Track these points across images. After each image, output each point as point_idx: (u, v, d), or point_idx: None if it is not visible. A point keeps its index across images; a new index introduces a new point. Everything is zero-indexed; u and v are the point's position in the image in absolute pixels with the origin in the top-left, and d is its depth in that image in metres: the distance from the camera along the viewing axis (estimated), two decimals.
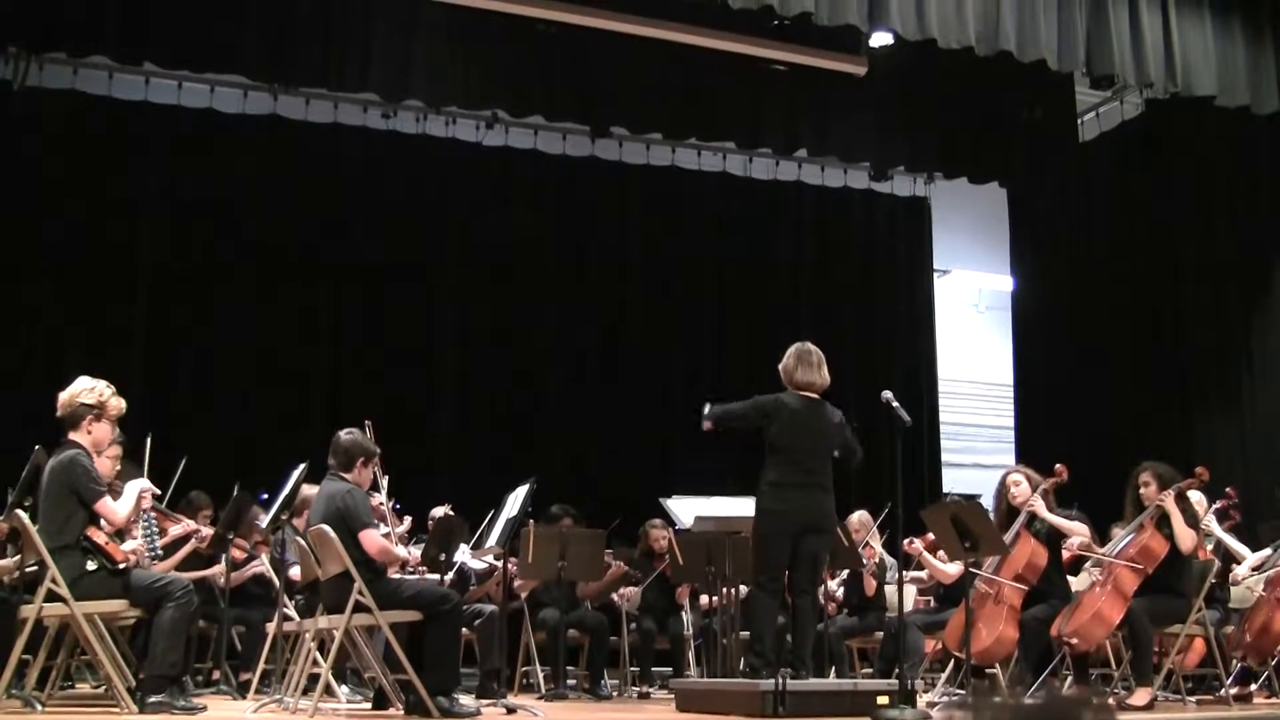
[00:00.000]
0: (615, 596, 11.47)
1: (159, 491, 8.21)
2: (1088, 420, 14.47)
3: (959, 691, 8.83)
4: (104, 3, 11.88)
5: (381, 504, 8.60)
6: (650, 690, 10.95)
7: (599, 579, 10.92)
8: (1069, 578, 9.43)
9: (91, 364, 8.11)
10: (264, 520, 9.39)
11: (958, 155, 14.80)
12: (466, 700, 7.66)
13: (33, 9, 11.80)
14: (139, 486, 7.63)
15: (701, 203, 15.66)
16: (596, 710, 9.36)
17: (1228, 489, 10.00)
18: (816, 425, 8.19)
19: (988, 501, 9.66)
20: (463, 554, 10.26)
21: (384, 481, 8.71)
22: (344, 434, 7.89)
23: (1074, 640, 8.45)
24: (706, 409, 8.33)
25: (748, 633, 8.70)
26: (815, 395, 8.28)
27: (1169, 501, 8.54)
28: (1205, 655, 9.58)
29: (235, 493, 9.56)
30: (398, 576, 8.17)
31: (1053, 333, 15.64)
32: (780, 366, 8.39)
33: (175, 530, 9.15)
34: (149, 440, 8.43)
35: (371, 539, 7.51)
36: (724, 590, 9.71)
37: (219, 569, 9.84)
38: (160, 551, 8.80)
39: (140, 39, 12.17)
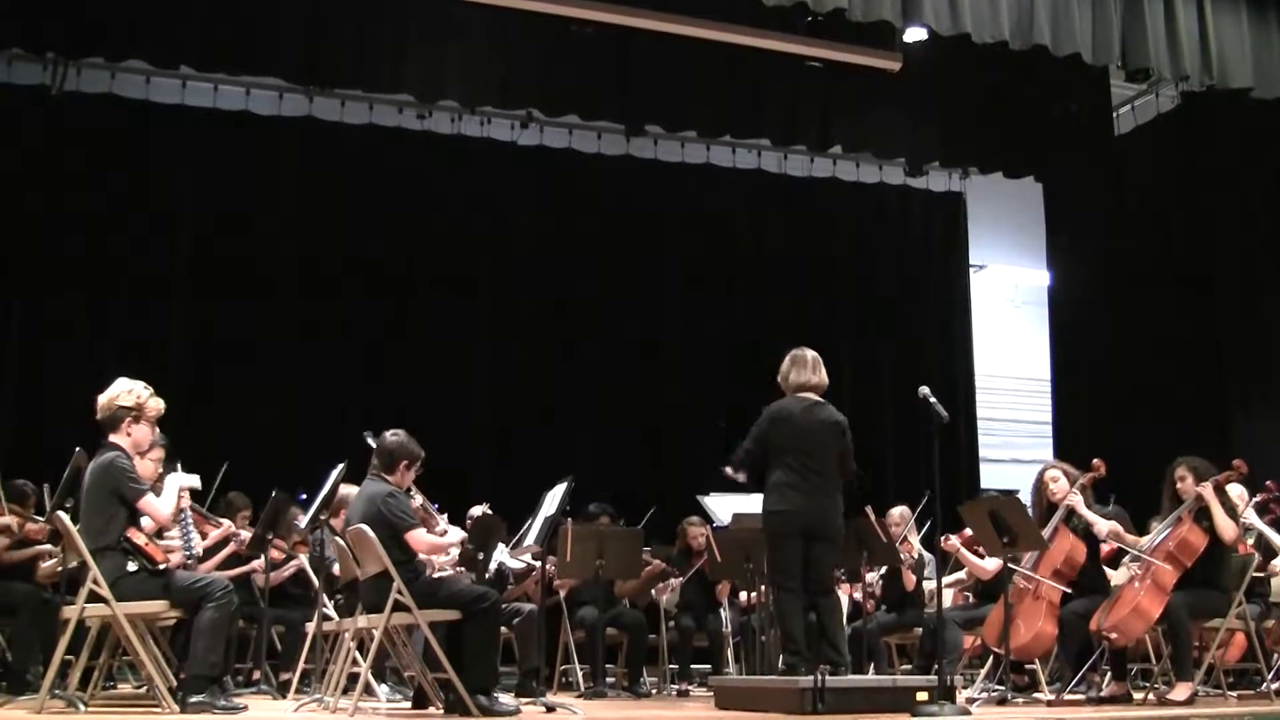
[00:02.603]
0: (653, 591, 11.48)
1: (198, 481, 8.23)
2: (1125, 415, 14.41)
3: (998, 687, 8.80)
4: (140, 7, 11.94)
5: (421, 505, 8.62)
6: (689, 688, 10.96)
7: (637, 577, 10.94)
8: (1108, 571, 9.40)
9: (129, 366, 8.16)
10: (302, 521, 9.42)
11: (993, 150, 14.76)
12: (506, 699, 7.67)
13: (70, 14, 11.87)
14: (178, 482, 7.68)
15: (736, 200, 15.67)
16: (635, 708, 9.37)
17: (1268, 482, 9.94)
18: (816, 427, 8.20)
19: (1025, 497, 9.63)
20: (501, 553, 10.28)
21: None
22: (389, 435, 7.91)
23: (1113, 635, 8.42)
24: (728, 470, 8.39)
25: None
26: (815, 397, 8.29)
27: (1208, 492, 8.51)
28: (1246, 650, 9.52)
29: (274, 493, 9.59)
30: (439, 575, 8.19)
31: (1090, 327, 15.58)
32: (779, 376, 8.42)
33: (214, 533, 9.20)
34: (179, 465, 8.44)
35: (419, 539, 7.56)
36: (762, 587, 9.70)
37: (258, 564, 9.87)
38: (199, 554, 8.83)
39: (176, 42, 12.23)
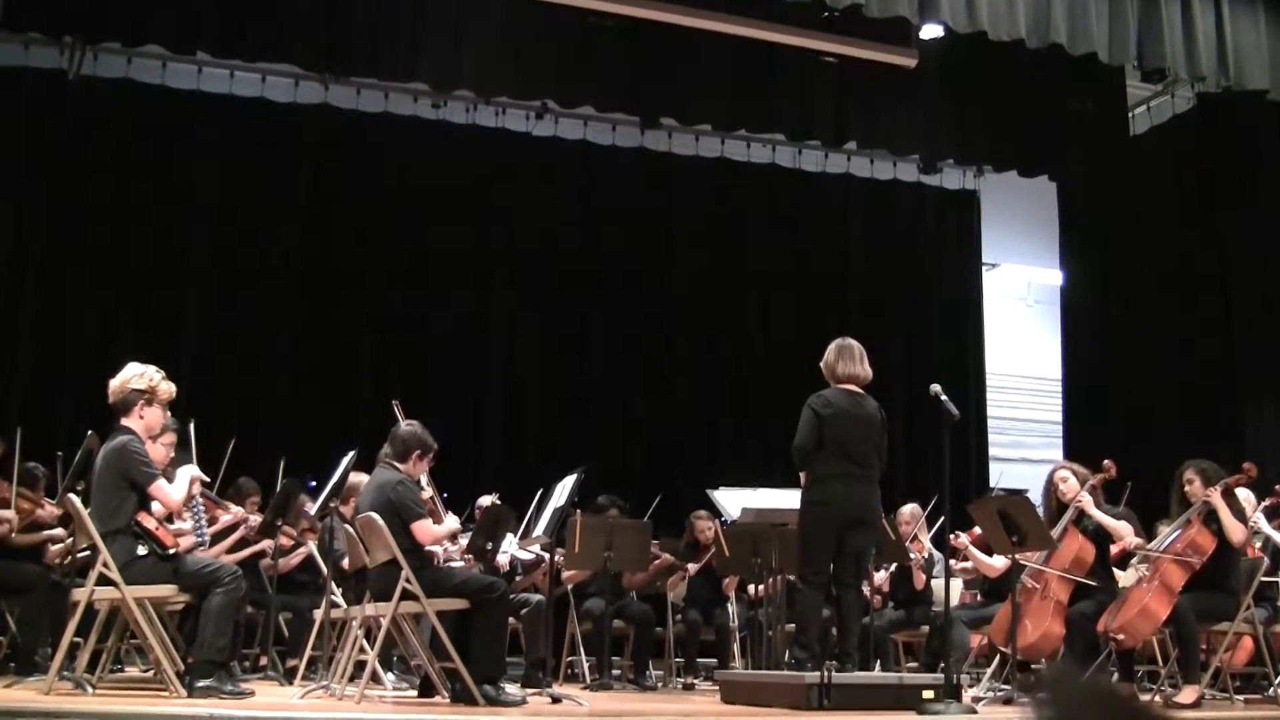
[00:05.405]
0: (660, 585, 11.49)
1: (208, 479, 8.27)
2: (1136, 415, 14.39)
3: (1004, 686, 8.80)
4: None
5: (431, 497, 8.63)
6: (695, 681, 10.98)
7: (645, 569, 10.94)
8: (1116, 572, 9.38)
9: (141, 350, 8.18)
10: (312, 507, 9.43)
11: (1007, 148, 14.70)
12: (512, 689, 7.68)
13: None
14: (190, 473, 7.70)
15: (750, 195, 15.65)
16: (641, 700, 9.37)
17: (1277, 486, 9.93)
18: (861, 418, 8.19)
19: (1035, 496, 9.63)
20: (510, 544, 10.29)
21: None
22: (403, 425, 7.94)
23: (1120, 636, 8.41)
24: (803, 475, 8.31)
25: (793, 624, 8.69)
26: (859, 389, 8.28)
27: (1216, 497, 8.49)
28: (1254, 654, 9.51)
29: (283, 480, 9.60)
30: (448, 565, 8.20)
31: (1102, 327, 15.56)
32: (822, 363, 8.40)
33: (225, 518, 9.22)
34: (192, 425, 8.51)
35: (426, 530, 7.57)
36: (770, 582, 9.70)
37: (265, 546, 9.89)
38: (208, 538, 8.86)
39: (193, 28, 12.24)
